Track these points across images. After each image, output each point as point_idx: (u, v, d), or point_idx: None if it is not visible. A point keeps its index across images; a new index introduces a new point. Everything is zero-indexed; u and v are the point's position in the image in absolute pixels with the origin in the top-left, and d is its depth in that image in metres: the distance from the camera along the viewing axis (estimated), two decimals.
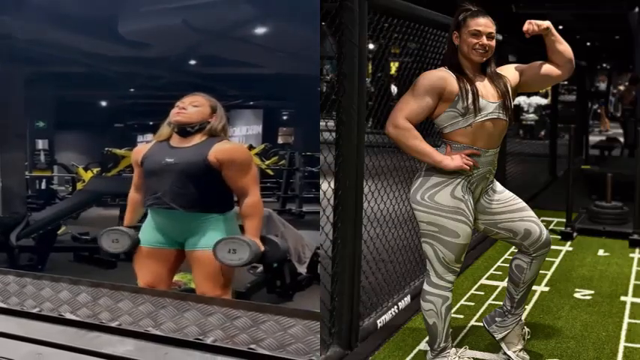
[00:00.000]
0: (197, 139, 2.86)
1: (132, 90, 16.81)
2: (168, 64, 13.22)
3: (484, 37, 2.64)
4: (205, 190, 2.78)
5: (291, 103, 18.51)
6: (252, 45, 11.69)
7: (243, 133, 20.89)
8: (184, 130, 2.86)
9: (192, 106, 2.87)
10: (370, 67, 6.94)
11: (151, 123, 20.67)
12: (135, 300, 2.23)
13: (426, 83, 2.64)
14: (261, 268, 4.89)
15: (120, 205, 7.97)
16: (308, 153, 11.55)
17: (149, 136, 19.69)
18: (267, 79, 14.08)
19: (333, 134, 3.04)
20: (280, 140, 19.90)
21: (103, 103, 19.30)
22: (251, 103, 19.94)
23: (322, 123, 3.20)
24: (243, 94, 17.79)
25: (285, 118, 21.41)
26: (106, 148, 12.48)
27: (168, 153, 2.84)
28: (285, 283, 4.82)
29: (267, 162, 12.61)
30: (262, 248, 2.82)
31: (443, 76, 2.64)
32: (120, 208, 7.97)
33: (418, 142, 2.65)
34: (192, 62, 13.55)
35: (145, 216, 3.04)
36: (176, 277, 3.85)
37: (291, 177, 11.00)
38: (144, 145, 3.01)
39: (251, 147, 13.11)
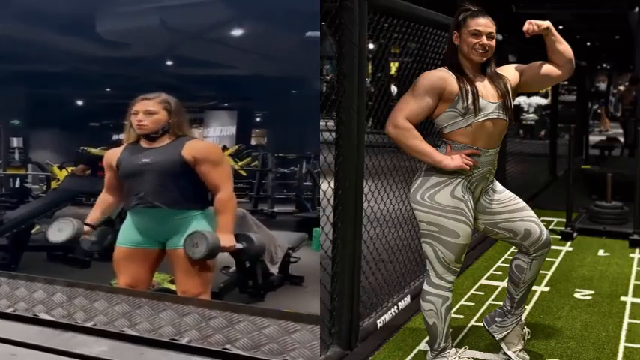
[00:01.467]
0: (165, 139, 2.94)
1: (108, 89, 16.81)
2: (145, 64, 13.31)
3: (484, 37, 2.64)
4: (185, 187, 2.87)
5: (264, 104, 18.71)
6: (227, 47, 11.80)
7: (218, 134, 20.79)
8: (149, 136, 2.94)
9: (147, 115, 2.91)
10: (370, 67, 6.94)
11: (126, 122, 20.71)
12: (110, 300, 2.23)
13: (426, 83, 2.64)
14: (233, 268, 4.92)
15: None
16: (280, 154, 11.75)
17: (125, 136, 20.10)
18: (242, 80, 14.19)
19: (334, 134, 3.04)
20: (253, 141, 20.02)
21: (79, 102, 19.19)
22: (226, 104, 20.10)
23: (322, 123, 3.20)
24: (218, 95, 17.95)
25: (258, 119, 21.69)
26: (81, 147, 11.89)
27: (142, 154, 2.91)
28: (257, 283, 4.85)
29: (240, 163, 12.57)
30: (232, 243, 2.90)
31: (443, 76, 2.64)
32: None
33: (418, 142, 2.65)
34: (169, 63, 13.66)
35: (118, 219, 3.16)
36: None
37: (263, 178, 11.13)
38: (115, 149, 3.05)
39: (225, 148, 13.11)
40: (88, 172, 8.61)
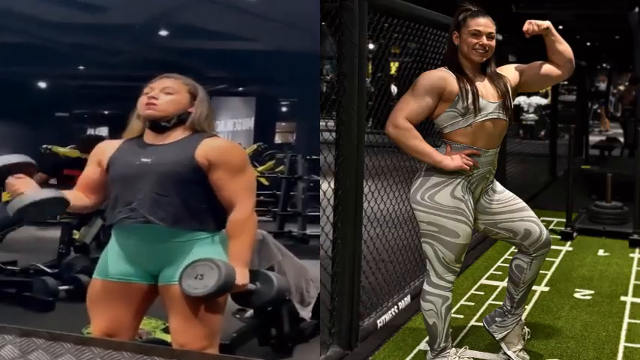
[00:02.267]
0: (178, 134, 2.28)
1: (81, 68, 13.09)
2: (132, 34, 10.50)
3: (484, 37, 2.64)
4: (194, 200, 2.21)
5: (293, 90, 13.30)
6: (242, 12, 9.44)
7: (230, 129, 16.11)
8: (158, 124, 2.27)
9: (164, 94, 2.26)
10: (370, 67, 6.85)
11: (106, 112, 16.33)
12: (80, 354, 1.66)
13: (426, 83, 2.64)
14: (250, 311, 3.74)
15: (62, 223, 5.50)
16: (314, 157, 8.31)
17: (103, 130, 15.77)
18: (262, 57, 11.13)
19: (333, 134, 3.04)
20: (278, 139, 15.45)
21: (42, 85, 14.80)
22: (240, 89, 15.61)
23: (322, 123, 3.20)
24: (230, 76, 13.59)
25: (284, 109, 16.72)
26: (44, 145, 9.06)
27: (143, 152, 2.24)
28: (283, 332, 3.59)
29: (260, 168, 9.83)
30: (245, 281, 2.20)
31: (443, 76, 2.64)
32: (62, 228, 5.50)
33: (418, 142, 2.65)
34: (163, 33, 10.74)
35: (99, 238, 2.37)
36: None
37: (292, 188, 8.30)
38: (111, 142, 2.37)
39: None
40: (53, 181, 6.20)
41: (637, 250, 5.15)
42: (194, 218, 2.20)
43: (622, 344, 3.31)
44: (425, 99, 2.62)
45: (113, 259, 2.24)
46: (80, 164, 2.40)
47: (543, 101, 15.17)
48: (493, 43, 2.67)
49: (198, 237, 2.20)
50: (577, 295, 4.07)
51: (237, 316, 3.85)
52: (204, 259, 2.13)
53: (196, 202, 2.20)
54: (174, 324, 2.22)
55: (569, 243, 5.38)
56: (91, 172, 2.34)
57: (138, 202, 2.17)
